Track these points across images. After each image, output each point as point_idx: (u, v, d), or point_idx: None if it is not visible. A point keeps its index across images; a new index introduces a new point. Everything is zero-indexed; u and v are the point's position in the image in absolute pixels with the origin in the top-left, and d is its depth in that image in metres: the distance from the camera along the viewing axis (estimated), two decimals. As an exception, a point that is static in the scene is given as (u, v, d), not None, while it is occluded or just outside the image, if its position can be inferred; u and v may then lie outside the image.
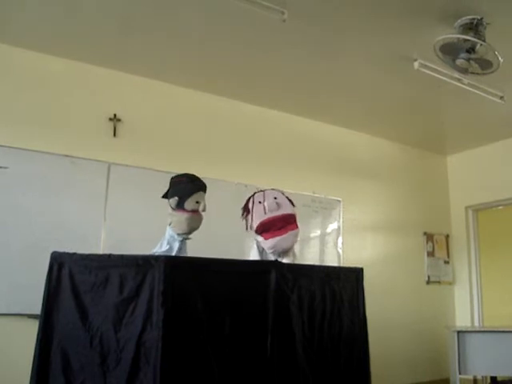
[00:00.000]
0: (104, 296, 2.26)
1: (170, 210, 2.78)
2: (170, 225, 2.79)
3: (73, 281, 2.34)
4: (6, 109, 4.02)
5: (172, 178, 2.85)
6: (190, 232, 2.79)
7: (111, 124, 4.41)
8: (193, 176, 2.85)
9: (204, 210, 2.80)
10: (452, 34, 3.51)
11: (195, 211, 2.76)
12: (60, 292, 2.36)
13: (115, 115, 4.43)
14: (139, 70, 4.53)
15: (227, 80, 4.73)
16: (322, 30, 3.80)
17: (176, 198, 2.73)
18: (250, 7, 3.36)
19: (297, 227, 3.00)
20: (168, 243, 2.76)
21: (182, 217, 2.73)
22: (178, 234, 2.76)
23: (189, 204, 2.74)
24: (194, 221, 2.77)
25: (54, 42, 4.07)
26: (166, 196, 2.83)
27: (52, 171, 4.05)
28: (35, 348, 2.30)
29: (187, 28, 3.82)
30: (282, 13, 3.45)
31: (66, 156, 4.11)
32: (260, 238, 2.98)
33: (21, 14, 3.66)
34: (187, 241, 2.83)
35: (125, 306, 2.19)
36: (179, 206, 2.73)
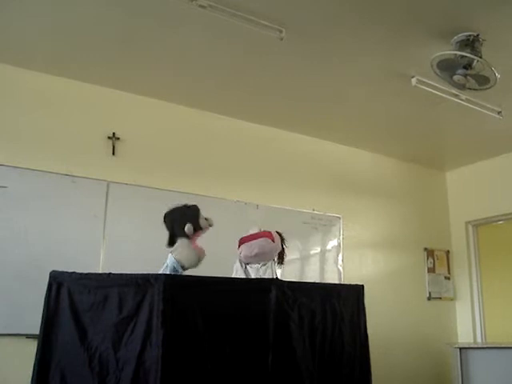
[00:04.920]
0: (103, 315, 2.24)
1: (178, 242, 2.76)
2: (173, 254, 2.74)
3: (72, 300, 2.32)
4: (5, 128, 4.02)
5: (169, 215, 2.84)
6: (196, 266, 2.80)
7: (110, 142, 4.41)
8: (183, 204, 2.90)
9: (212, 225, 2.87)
10: (449, 51, 3.53)
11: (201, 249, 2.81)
12: (59, 311, 2.34)
13: (114, 134, 4.43)
14: (138, 89, 4.55)
15: (226, 98, 4.74)
16: (320, 48, 3.82)
17: (189, 224, 2.74)
18: (248, 26, 3.39)
19: (271, 238, 3.01)
20: (172, 272, 2.73)
21: (193, 252, 2.75)
22: (183, 267, 2.73)
23: (203, 222, 2.81)
24: (202, 256, 2.80)
25: (54, 62, 4.09)
26: (172, 235, 2.80)
27: (51, 190, 4.04)
28: (33, 368, 2.28)
29: (186, 47, 3.84)
30: (280, 31, 3.48)
31: (65, 175, 4.10)
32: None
33: (20, 34, 3.68)
34: None
35: (124, 325, 2.17)
36: (196, 229, 2.77)
